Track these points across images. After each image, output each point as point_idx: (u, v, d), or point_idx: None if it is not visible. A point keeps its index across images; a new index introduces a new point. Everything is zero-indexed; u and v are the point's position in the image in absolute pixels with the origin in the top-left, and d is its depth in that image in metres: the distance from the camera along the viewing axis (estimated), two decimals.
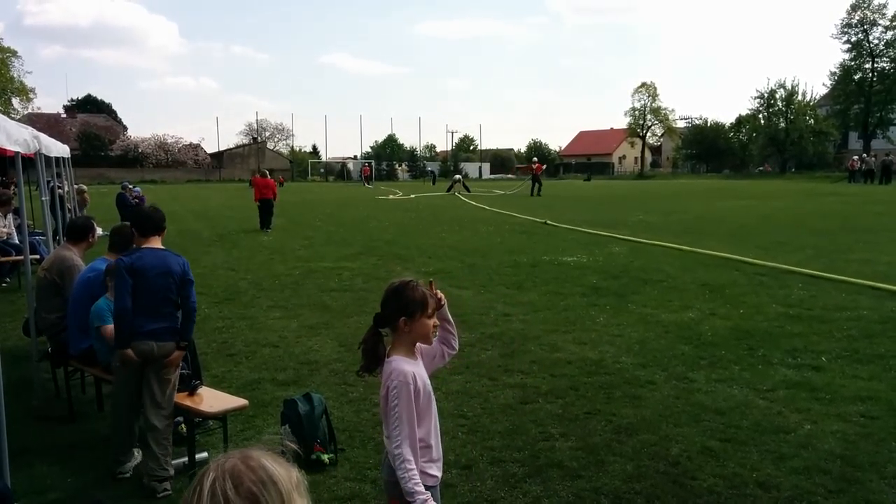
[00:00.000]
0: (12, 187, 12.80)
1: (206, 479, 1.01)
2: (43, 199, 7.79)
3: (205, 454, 4.05)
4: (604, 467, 3.95)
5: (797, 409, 4.73)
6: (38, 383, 5.30)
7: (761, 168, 66.72)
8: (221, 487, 0.99)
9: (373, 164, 65.42)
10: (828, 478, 3.75)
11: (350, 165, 74.19)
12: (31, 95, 54.26)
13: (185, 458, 3.99)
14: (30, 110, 57.41)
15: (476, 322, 7.32)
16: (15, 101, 52.89)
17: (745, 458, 4.01)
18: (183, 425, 4.30)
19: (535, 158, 40.29)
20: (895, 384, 5.18)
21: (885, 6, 56.61)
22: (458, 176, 43.80)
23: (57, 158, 11.91)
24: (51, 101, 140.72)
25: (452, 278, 10.02)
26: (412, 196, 35.12)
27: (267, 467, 1.04)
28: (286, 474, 1.05)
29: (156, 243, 3.99)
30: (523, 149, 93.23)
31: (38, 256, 9.38)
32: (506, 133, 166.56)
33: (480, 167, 77.63)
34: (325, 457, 4.02)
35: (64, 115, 69.62)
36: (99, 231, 6.71)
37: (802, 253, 11.96)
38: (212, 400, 4.05)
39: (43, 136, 7.40)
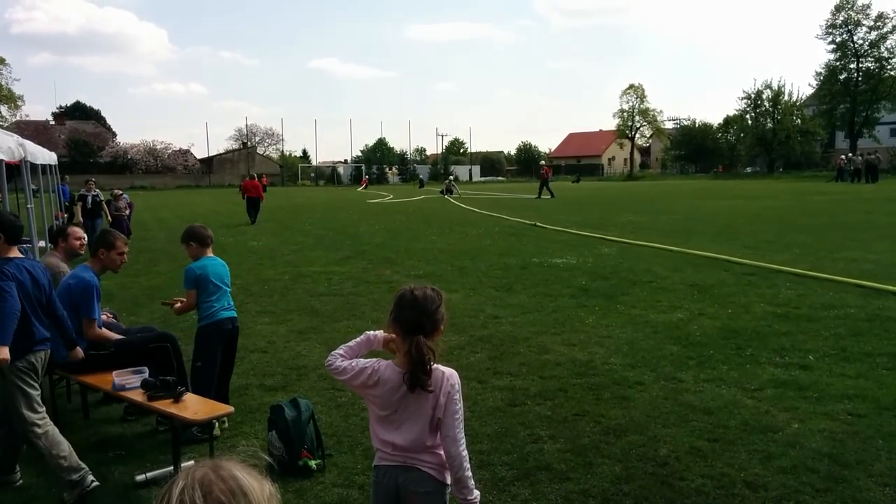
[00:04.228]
0: None
1: (175, 488, 1.00)
2: (29, 206, 7.73)
3: (191, 462, 4.01)
4: (592, 469, 3.94)
5: (785, 408, 4.75)
6: None
7: (715, 170, 67.44)
8: (190, 496, 0.98)
9: (363, 168, 65.45)
10: (815, 476, 3.76)
11: (340, 170, 74.07)
12: (20, 103, 54.11)
13: (171, 467, 3.95)
14: (18, 118, 57.10)
15: (465, 325, 7.31)
16: (3, 109, 52.71)
17: (733, 457, 4.02)
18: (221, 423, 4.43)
19: (543, 162, 41.33)
20: (882, 382, 5.21)
21: (868, 7, 57.26)
22: (451, 177, 44.57)
23: (43, 165, 11.84)
24: (39, 109, 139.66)
25: (442, 281, 10.00)
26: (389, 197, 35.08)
27: (238, 478, 1.02)
28: (258, 486, 1.04)
29: (15, 253, 3.87)
30: (513, 151, 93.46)
31: None
32: (496, 135, 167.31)
33: (471, 170, 77.67)
34: (313, 462, 3.99)
35: (52, 122, 69.14)
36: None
37: (790, 252, 12.03)
38: (197, 406, 4.01)
39: (29, 144, 7.35)
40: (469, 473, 2.35)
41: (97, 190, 16.19)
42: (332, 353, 2.46)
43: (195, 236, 4.83)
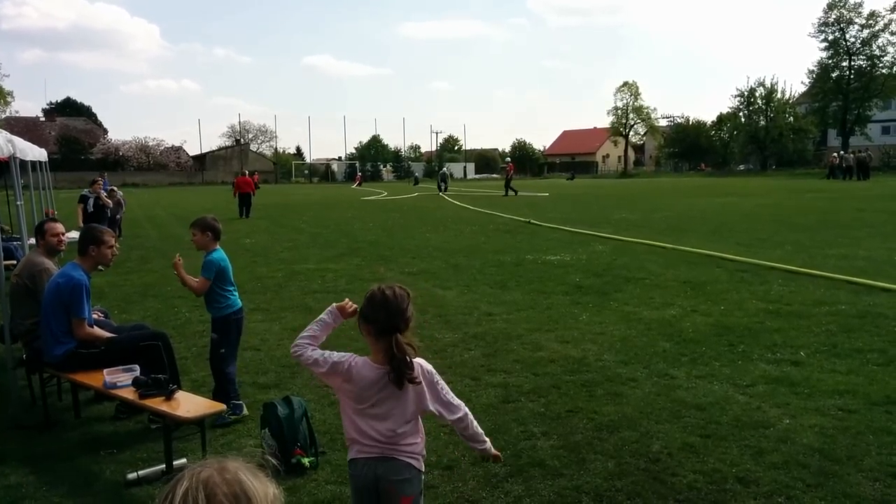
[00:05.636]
0: None
1: (179, 488, 0.99)
2: (18, 203, 7.65)
3: (183, 460, 4.00)
4: (585, 465, 3.95)
5: (776, 404, 4.77)
6: (14, 391, 5.22)
7: (699, 167, 67.91)
8: (194, 497, 0.97)
9: (357, 165, 65.52)
10: (806, 472, 3.77)
11: (334, 167, 73.96)
12: (9, 99, 53.60)
13: (163, 465, 3.94)
14: (7, 114, 56.65)
15: (459, 322, 7.31)
16: None
17: (725, 453, 4.04)
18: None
19: (508, 159, 41.50)
20: (872, 378, 5.24)
21: (860, 5, 57.48)
22: (444, 169, 44.79)
23: (33, 162, 11.76)
24: (29, 105, 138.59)
25: (436, 278, 10.01)
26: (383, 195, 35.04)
27: (243, 481, 1.01)
28: (262, 490, 1.03)
29: None
30: (508, 148, 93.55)
31: (14, 262, 9.25)
32: (491, 133, 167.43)
33: (465, 167, 77.69)
34: (306, 460, 3.99)
35: (43, 119, 68.72)
36: (73, 235, 6.61)
37: (782, 249, 12.08)
38: (189, 404, 4.00)
39: (17, 140, 7.27)
40: (476, 425, 2.59)
41: (103, 191, 15.02)
42: (298, 342, 2.53)
43: (214, 229, 4.88)
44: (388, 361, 2.35)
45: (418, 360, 2.45)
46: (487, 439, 2.64)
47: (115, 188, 17.24)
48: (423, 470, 2.52)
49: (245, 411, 4.77)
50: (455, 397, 2.55)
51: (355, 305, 2.59)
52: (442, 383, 2.53)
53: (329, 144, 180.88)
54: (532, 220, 18.65)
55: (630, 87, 71.80)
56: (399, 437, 2.42)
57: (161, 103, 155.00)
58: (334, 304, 2.60)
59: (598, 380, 5.39)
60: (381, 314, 2.36)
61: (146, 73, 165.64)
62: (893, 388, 5.00)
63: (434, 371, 2.52)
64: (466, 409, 2.56)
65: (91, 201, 14.77)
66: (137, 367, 4.38)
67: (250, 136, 79.45)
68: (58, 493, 3.82)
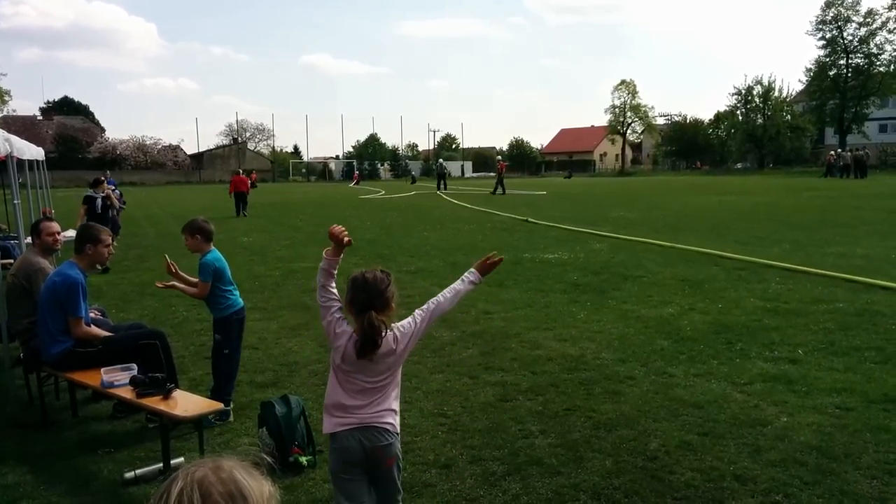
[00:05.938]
0: None
1: (174, 488, 0.98)
2: (15, 202, 7.64)
3: (180, 459, 3.99)
4: (583, 463, 3.95)
5: (774, 402, 4.78)
6: (12, 390, 5.21)
7: (694, 165, 68.06)
8: (189, 497, 0.97)
9: (354, 163, 65.52)
10: (804, 469, 3.78)
11: (332, 165, 73.93)
12: (7, 98, 53.55)
13: (160, 464, 3.93)
14: (5, 113, 56.54)
15: (457, 320, 7.30)
16: None
17: (723, 451, 4.04)
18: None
19: (500, 157, 41.34)
20: (870, 376, 5.25)
21: (858, 3, 57.55)
22: (440, 161, 44.71)
23: (31, 161, 11.72)
24: (27, 104, 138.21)
25: (434, 277, 10.00)
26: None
27: (238, 480, 1.01)
28: (258, 488, 1.02)
29: None
30: (506, 147, 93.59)
31: (11, 261, 9.24)
32: (489, 132, 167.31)
33: (462, 165, 77.66)
34: (303, 459, 3.99)
35: (40, 118, 68.57)
36: (70, 234, 6.60)
37: (780, 247, 12.10)
38: (186, 403, 3.99)
39: (15, 139, 7.25)
40: (456, 289, 2.88)
41: (108, 190, 13.99)
42: (321, 295, 2.72)
43: (204, 231, 4.85)
44: (360, 335, 2.58)
45: (390, 333, 2.63)
46: (471, 283, 2.93)
47: (115, 187, 17.13)
48: (399, 432, 2.73)
49: (231, 418, 4.73)
50: (421, 310, 2.77)
51: (344, 234, 2.74)
52: (409, 324, 2.71)
53: (327, 143, 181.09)
54: (530, 219, 18.65)
55: (628, 86, 71.80)
56: (376, 404, 2.64)
57: (159, 102, 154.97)
58: (325, 251, 2.78)
59: (595, 378, 5.39)
60: (362, 295, 2.59)
61: (144, 71, 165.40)
62: (891, 385, 5.01)
63: (404, 323, 2.72)
64: (435, 302, 2.80)
65: (99, 202, 14.34)
66: (135, 366, 4.37)
67: (248, 134, 79.34)
68: (55, 492, 3.81)
